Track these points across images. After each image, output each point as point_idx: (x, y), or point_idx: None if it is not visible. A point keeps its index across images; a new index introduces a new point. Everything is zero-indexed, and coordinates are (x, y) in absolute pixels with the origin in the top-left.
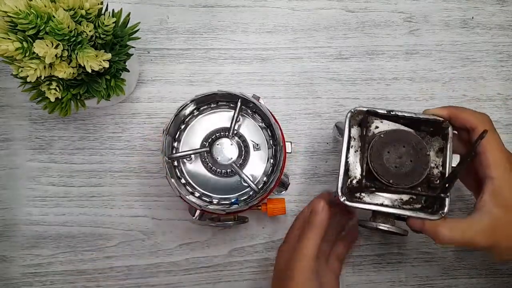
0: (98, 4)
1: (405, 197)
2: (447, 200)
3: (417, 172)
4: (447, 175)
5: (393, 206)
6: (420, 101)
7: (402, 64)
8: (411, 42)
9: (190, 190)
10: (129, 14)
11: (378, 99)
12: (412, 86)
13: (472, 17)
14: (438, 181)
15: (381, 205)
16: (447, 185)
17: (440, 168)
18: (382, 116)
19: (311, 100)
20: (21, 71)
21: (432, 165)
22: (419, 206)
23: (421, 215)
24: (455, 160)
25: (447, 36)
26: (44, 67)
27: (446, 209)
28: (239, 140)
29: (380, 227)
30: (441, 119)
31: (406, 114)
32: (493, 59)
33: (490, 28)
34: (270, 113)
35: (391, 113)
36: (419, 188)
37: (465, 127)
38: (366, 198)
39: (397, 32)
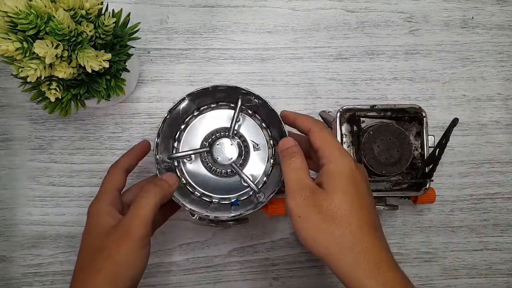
0: (98, 4)
1: (394, 180)
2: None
3: (404, 159)
4: (425, 155)
5: (385, 190)
6: (420, 101)
7: (402, 64)
8: (411, 42)
9: (190, 190)
10: (129, 14)
11: (378, 99)
12: (412, 86)
13: (472, 17)
14: (420, 162)
15: (375, 190)
16: (431, 167)
17: (420, 150)
18: (367, 111)
19: (311, 100)
20: (21, 71)
21: (412, 148)
22: (406, 186)
23: (409, 194)
24: (431, 141)
25: (447, 36)
26: (44, 67)
27: (428, 185)
28: (239, 140)
29: (377, 208)
30: (417, 107)
31: (386, 107)
32: (493, 59)
33: (490, 28)
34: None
35: (374, 107)
36: (405, 171)
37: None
38: None
39: (397, 32)
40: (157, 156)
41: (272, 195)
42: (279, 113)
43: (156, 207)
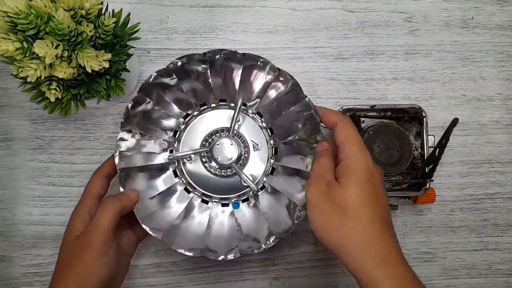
0: (98, 4)
1: (394, 180)
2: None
3: (404, 159)
4: (425, 155)
5: (385, 190)
6: (420, 101)
7: (402, 64)
8: (411, 42)
9: (190, 190)
10: (129, 14)
11: (378, 99)
12: (412, 86)
13: (472, 17)
14: (420, 162)
15: None
16: (431, 167)
17: (420, 150)
18: (367, 111)
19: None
20: (21, 71)
21: (412, 148)
22: (406, 186)
23: (409, 193)
24: (431, 141)
25: (447, 36)
26: (44, 67)
27: (428, 185)
28: (239, 140)
29: None
30: (417, 107)
31: (386, 107)
32: (493, 59)
33: (490, 28)
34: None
35: (374, 107)
36: (405, 171)
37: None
38: None
39: (397, 32)
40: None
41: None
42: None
43: (115, 217)
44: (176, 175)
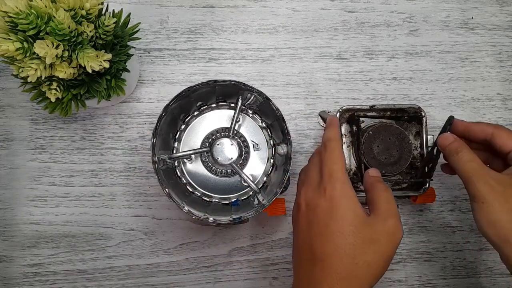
0: (99, 4)
1: (393, 179)
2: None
3: (403, 159)
4: (425, 154)
5: None
6: (419, 101)
7: (401, 64)
8: (411, 42)
9: (190, 190)
10: (129, 15)
11: (378, 99)
12: (411, 86)
13: (472, 17)
14: (419, 162)
15: None
16: (430, 167)
17: (419, 150)
18: (366, 111)
19: (311, 100)
20: (22, 71)
21: (412, 147)
22: (406, 185)
23: (409, 193)
24: (430, 141)
25: (446, 36)
26: (45, 67)
27: (427, 185)
28: (239, 140)
29: None
30: (416, 107)
31: (385, 107)
32: (492, 59)
33: (490, 29)
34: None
35: (373, 107)
36: (404, 170)
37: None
38: (362, 186)
39: (396, 32)
40: (154, 158)
41: (274, 197)
42: (277, 106)
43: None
44: (176, 175)
